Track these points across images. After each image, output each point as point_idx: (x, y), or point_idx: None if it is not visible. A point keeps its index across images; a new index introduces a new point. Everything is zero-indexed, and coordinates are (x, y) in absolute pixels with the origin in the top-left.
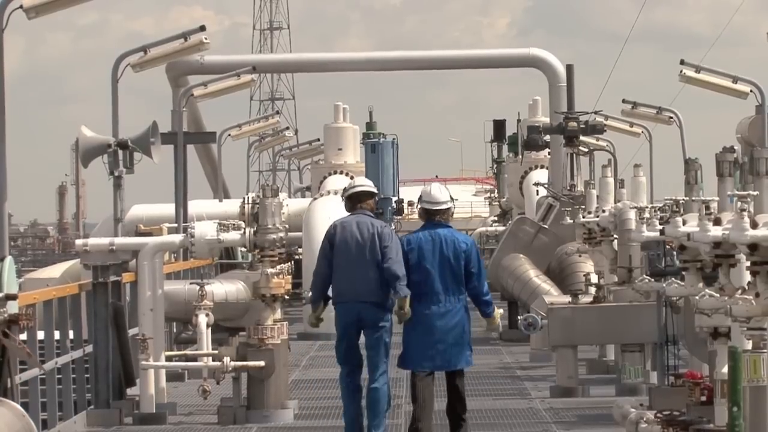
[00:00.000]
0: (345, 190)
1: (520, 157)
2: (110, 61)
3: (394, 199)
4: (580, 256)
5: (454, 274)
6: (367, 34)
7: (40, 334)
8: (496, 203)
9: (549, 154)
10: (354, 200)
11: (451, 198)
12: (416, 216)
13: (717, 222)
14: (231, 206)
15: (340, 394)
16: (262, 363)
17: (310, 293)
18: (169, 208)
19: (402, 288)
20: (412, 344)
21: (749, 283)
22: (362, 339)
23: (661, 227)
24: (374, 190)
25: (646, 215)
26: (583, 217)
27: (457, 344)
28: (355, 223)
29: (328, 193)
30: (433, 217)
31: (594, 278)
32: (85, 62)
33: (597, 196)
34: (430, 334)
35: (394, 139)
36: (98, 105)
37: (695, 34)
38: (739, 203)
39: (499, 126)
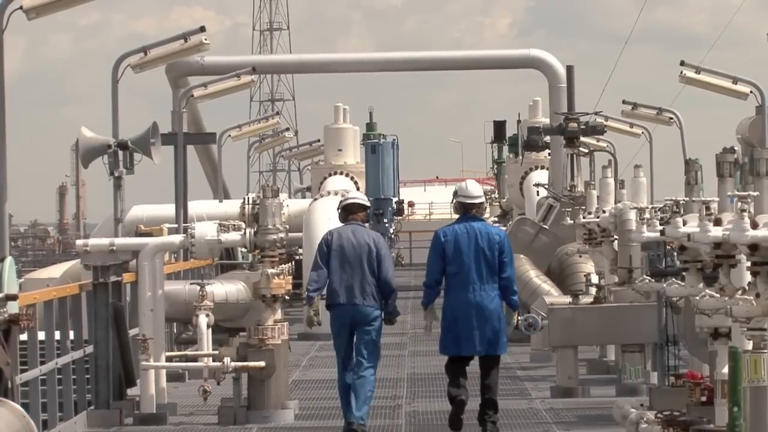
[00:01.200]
0: (340, 202)
1: (521, 157)
2: (111, 62)
3: (395, 199)
4: (580, 256)
5: (489, 264)
6: (369, 34)
7: (41, 335)
8: (497, 204)
9: (549, 154)
10: (347, 211)
11: (485, 194)
12: (417, 216)
13: (717, 222)
14: (231, 207)
15: (338, 396)
16: (262, 363)
17: (306, 294)
18: (169, 209)
19: (391, 304)
20: (452, 332)
21: (750, 283)
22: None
23: (661, 228)
24: (367, 203)
25: (647, 216)
26: (584, 218)
27: (494, 330)
28: (351, 231)
29: (329, 193)
30: (469, 210)
31: (594, 279)
32: (86, 63)
33: (597, 197)
34: (468, 322)
35: (394, 139)
36: (99, 105)
37: (696, 35)
38: (739, 204)
39: (499, 127)
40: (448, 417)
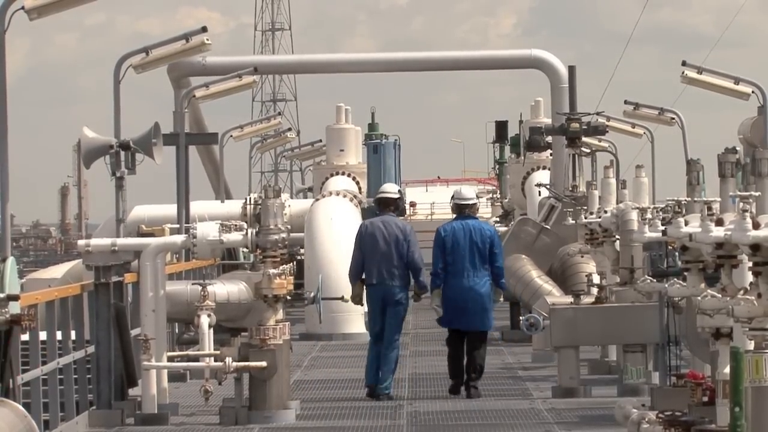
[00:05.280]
0: (376, 194)
1: (522, 158)
2: (115, 62)
3: None
4: (582, 256)
5: (481, 254)
6: (373, 34)
7: (42, 335)
8: (498, 204)
9: (551, 155)
10: (381, 204)
11: (477, 197)
12: (418, 216)
13: (719, 223)
14: (233, 207)
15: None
16: (264, 363)
17: (348, 276)
18: (171, 209)
19: (421, 280)
20: (450, 310)
21: (751, 283)
22: None
23: (663, 228)
24: (394, 195)
25: (648, 216)
26: (585, 218)
27: (484, 310)
28: (382, 222)
29: (330, 194)
30: (463, 210)
31: (596, 279)
32: (91, 63)
33: (599, 197)
34: (463, 302)
35: (396, 140)
36: (102, 106)
37: (700, 35)
38: (741, 204)
39: (501, 127)
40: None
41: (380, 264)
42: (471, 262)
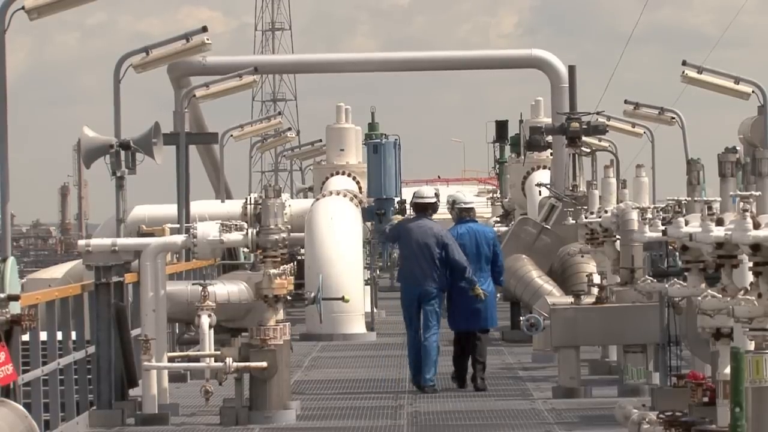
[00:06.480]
0: (413, 197)
1: (523, 157)
2: (115, 62)
3: (397, 199)
4: (582, 256)
5: (486, 256)
6: (374, 34)
7: (43, 335)
8: (499, 204)
9: (551, 154)
10: (417, 208)
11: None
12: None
13: (719, 222)
14: (233, 207)
15: (406, 352)
16: (264, 364)
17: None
18: (171, 209)
19: (468, 277)
20: (456, 310)
21: (752, 283)
22: None
23: (663, 228)
24: (428, 200)
25: (649, 216)
26: (586, 218)
27: (488, 309)
28: (416, 226)
29: (330, 193)
30: (466, 214)
31: (596, 279)
32: (91, 63)
33: (599, 197)
34: (469, 303)
35: (396, 139)
36: (103, 106)
37: (701, 35)
38: (741, 204)
39: (501, 126)
40: (454, 377)
41: (412, 266)
42: (476, 264)
